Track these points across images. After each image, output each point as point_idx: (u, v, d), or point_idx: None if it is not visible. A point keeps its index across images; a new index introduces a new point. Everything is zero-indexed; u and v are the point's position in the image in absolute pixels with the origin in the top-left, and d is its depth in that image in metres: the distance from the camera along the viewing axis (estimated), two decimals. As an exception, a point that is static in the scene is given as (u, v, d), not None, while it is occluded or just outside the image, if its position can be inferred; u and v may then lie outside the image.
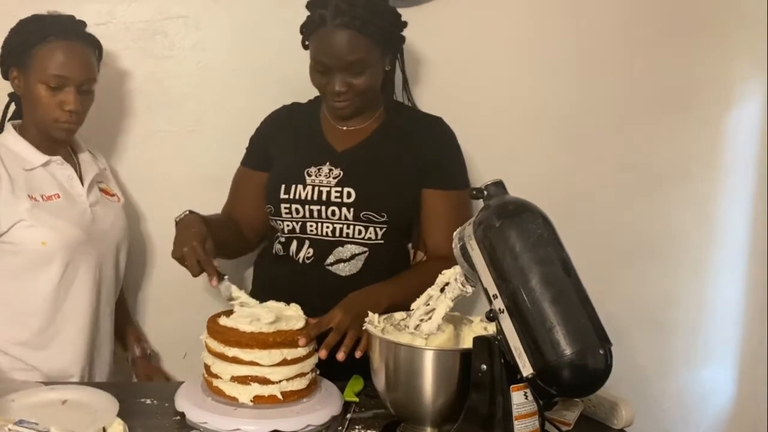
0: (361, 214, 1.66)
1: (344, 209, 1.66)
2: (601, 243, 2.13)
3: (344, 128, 1.74)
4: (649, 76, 2.14)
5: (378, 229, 1.67)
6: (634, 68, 2.14)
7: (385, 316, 1.39)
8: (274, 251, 1.76)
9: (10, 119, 1.74)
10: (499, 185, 1.19)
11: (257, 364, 1.35)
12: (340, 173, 1.68)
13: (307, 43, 1.67)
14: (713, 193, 2.26)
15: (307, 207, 1.68)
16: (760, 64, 2.17)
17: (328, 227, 1.68)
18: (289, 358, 1.36)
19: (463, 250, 1.19)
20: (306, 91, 1.87)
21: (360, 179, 1.67)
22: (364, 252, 1.68)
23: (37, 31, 1.63)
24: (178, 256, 1.50)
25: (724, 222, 2.28)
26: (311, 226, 1.68)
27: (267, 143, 1.81)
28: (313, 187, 1.68)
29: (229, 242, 1.78)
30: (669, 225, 2.24)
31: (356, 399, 1.46)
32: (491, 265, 1.12)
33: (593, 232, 2.11)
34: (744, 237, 2.31)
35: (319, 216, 1.68)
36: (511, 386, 1.13)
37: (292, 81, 1.95)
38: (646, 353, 2.23)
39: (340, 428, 1.35)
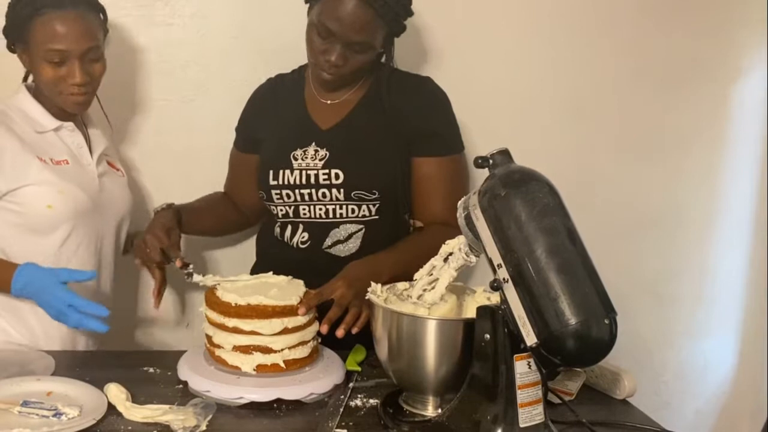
0: (352, 194, 1.64)
1: (334, 190, 1.64)
2: (603, 214, 2.13)
3: (328, 102, 1.70)
4: (653, 48, 2.13)
5: (371, 206, 1.65)
6: (638, 40, 2.12)
7: (387, 286, 1.38)
8: (274, 234, 1.75)
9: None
10: (504, 154, 1.17)
11: (258, 333, 1.35)
12: (326, 154, 1.65)
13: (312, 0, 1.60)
14: (717, 165, 2.26)
15: (297, 191, 1.66)
16: (764, 36, 2.15)
17: (320, 209, 1.66)
18: (290, 326, 1.36)
19: (468, 219, 1.18)
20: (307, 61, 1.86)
21: (347, 159, 1.64)
22: (360, 229, 1.67)
23: (30, 2, 1.55)
24: (137, 251, 1.62)
25: (727, 194, 2.28)
26: (304, 209, 1.67)
27: (252, 125, 1.79)
28: (301, 171, 1.65)
29: (219, 225, 1.87)
30: (672, 196, 2.24)
31: (358, 368, 1.46)
32: (496, 235, 1.11)
33: (595, 204, 2.11)
34: (747, 209, 2.31)
35: (310, 199, 1.65)
36: (515, 356, 1.13)
37: (294, 50, 1.92)
38: (647, 324, 2.24)
39: (342, 397, 1.35)
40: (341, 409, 1.31)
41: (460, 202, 1.21)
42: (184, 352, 1.46)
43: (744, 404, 2.38)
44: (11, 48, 1.63)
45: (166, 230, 1.59)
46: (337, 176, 1.63)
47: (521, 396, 1.13)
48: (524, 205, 1.10)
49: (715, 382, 2.38)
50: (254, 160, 1.77)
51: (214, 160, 1.89)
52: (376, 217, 1.67)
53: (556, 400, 1.34)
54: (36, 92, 1.66)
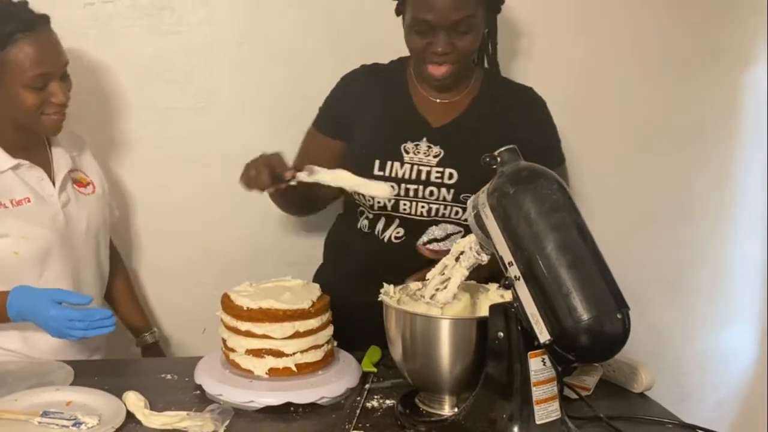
0: (461, 196, 1.59)
1: (443, 190, 1.60)
2: (617, 205, 2.12)
3: (438, 101, 1.65)
4: (665, 36, 2.11)
5: None
6: (650, 29, 2.11)
7: (400, 286, 1.38)
8: (359, 226, 1.69)
9: None
10: (512, 152, 1.18)
11: (270, 337, 1.35)
12: (440, 152, 1.61)
13: (401, 8, 1.58)
14: (731, 154, 2.24)
15: (403, 185, 1.61)
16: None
17: (423, 207, 1.61)
18: (301, 330, 1.36)
19: (477, 218, 1.18)
20: (314, 66, 1.86)
21: (461, 160, 1.60)
22: (460, 232, 1.62)
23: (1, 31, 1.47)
24: (248, 183, 1.51)
25: (742, 182, 2.27)
26: (405, 204, 1.62)
27: (345, 109, 1.71)
28: (412, 165, 1.61)
29: (299, 201, 1.77)
30: (686, 186, 2.22)
31: (374, 369, 1.46)
32: (506, 232, 1.11)
33: (609, 195, 2.10)
34: (762, 196, 2.28)
35: (416, 195, 1.61)
36: (529, 353, 1.12)
37: (300, 55, 1.94)
38: (665, 317, 2.23)
39: (358, 398, 1.36)
40: (358, 411, 1.31)
41: (469, 201, 1.22)
42: (200, 358, 1.46)
43: (766, 394, 2.36)
44: None
45: (268, 157, 1.49)
46: (450, 176, 1.60)
47: (537, 393, 1.13)
48: (533, 202, 1.10)
49: (735, 373, 2.36)
50: (338, 147, 1.69)
51: (223, 167, 1.89)
52: None
53: (573, 396, 1.34)
54: None
